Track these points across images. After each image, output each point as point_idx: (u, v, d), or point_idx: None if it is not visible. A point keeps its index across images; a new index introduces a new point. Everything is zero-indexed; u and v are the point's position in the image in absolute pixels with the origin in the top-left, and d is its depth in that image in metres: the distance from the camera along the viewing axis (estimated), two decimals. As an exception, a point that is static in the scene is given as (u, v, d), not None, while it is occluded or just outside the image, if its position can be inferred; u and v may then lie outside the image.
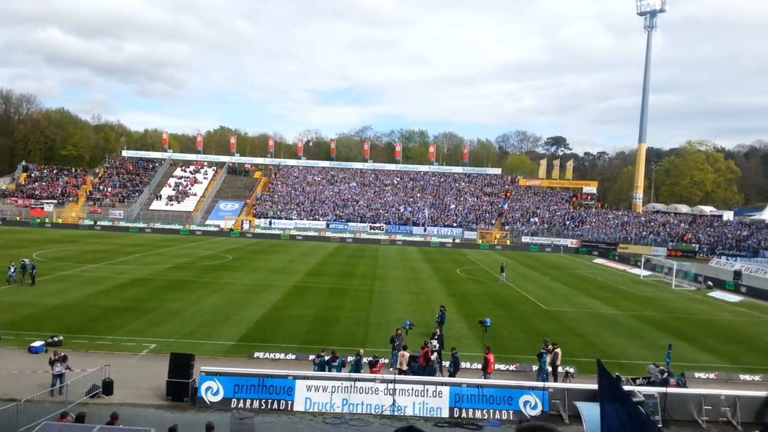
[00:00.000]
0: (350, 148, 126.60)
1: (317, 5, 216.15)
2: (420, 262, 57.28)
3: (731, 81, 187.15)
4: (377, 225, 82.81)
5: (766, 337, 30.38)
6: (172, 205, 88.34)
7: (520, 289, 41.55)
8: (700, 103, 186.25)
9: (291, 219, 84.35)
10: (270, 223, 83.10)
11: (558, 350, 21.20)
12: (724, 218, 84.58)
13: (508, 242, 77.99)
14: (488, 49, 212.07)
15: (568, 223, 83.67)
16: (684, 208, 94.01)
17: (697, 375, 22.11)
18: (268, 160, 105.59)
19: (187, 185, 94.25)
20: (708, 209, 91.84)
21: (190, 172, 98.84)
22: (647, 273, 54.59)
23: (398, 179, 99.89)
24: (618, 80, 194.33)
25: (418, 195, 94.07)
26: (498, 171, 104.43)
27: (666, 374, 19.87)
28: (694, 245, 73.79)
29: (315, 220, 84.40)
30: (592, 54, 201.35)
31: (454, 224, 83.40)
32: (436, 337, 22.29)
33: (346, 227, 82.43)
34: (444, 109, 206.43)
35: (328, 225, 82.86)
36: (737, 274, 50.24)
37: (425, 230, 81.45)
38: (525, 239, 78.73)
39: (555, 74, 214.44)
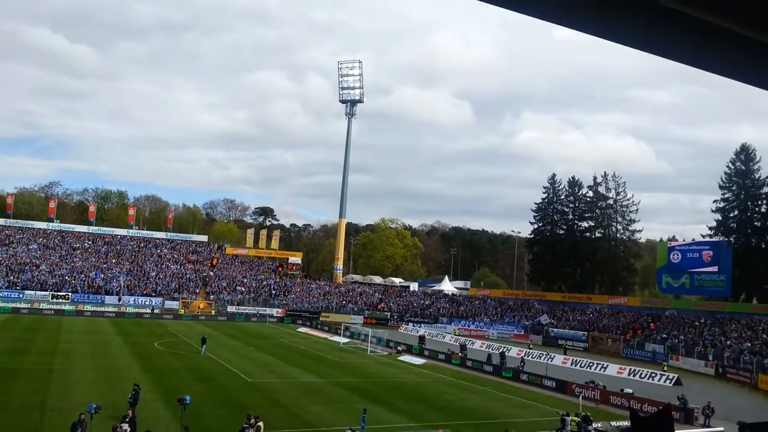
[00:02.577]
0: (32, 205, 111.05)
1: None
2: (112, 335, 51.73)
3: (411, 168, 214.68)
4: (62, 294, 72.97)
5: (445, 395, 33.83)
6: None
7: (223, 361, 39.95)
8: (389, 185, 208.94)
9: (-54, 286, 69.63)
10: None
11: (261, 423, 20.51)
12: (411, 289, 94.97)
13: (213, 312, 75.45)
14: (196, 114, 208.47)
15: (274, 292, 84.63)
16: (378, 279, 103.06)
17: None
18: None
19: None
20: (398, 281, 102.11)
21: None
22: (346, 340, 57.51)
23: (90, 242, 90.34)
24: (320, 158, 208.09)
25: (114, 261, 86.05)
26: (204, 238, 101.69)
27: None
28: (386, 313, 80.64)
29: (-20, 287, 70.98)
30: (295, 132, 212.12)
31: (154, 293, 77.84)
32: (127, 420, 19.89)
33: (21, 296, 70.76)
34: (148, 170, 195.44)
35: (-3, 293, 70.30)
36: (422, 339, 55.86)
37: (120, 300, 74.32)
38: (231, 309, 77.04)
39: (261, 147, 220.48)
